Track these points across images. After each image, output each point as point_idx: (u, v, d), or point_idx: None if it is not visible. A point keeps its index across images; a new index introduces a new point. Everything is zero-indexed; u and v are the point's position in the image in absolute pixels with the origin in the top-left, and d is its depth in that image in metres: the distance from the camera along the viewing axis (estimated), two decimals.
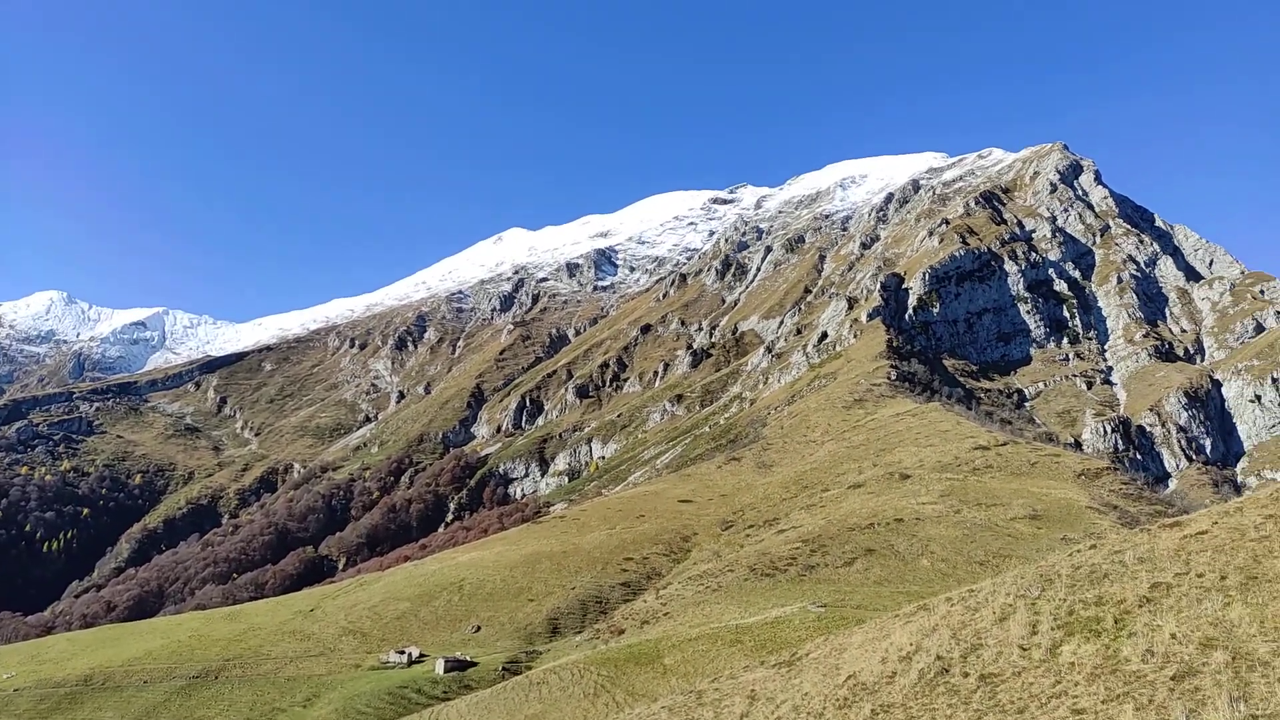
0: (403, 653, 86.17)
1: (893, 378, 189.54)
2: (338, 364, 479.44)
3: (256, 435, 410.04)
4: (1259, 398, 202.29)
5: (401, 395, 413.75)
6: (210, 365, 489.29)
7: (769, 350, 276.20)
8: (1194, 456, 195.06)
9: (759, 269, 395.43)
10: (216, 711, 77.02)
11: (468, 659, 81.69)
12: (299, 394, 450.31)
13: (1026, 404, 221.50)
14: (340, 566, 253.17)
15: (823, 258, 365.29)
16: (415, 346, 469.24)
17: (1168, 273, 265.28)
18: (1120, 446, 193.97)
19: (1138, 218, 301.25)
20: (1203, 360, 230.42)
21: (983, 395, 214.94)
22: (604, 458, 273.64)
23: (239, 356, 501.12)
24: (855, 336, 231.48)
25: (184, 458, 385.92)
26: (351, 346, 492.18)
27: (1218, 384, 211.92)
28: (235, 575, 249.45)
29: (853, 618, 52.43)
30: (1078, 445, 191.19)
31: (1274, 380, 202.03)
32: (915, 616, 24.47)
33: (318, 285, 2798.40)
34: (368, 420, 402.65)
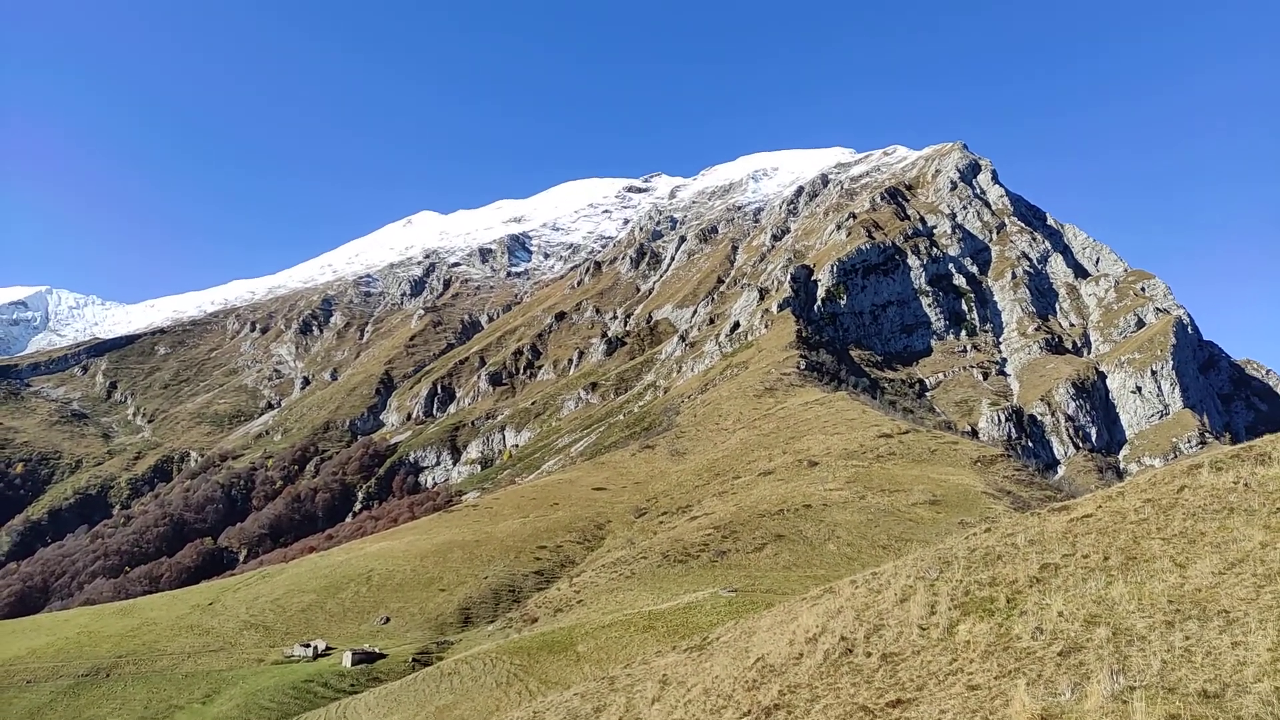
0: (308, 646, 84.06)
1: (802, 367, 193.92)
2: (237, 348, 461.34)
3: (150, 422, 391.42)
4: (1139, 389, 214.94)
5: (306, 381, 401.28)
6: (99, 348, 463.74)
7: (683, 339, 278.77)
8: (1081, 444, 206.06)
9: (673, 258, 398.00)
10: (108, 711, 73.65)
11: (376, 651, 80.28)
12: (196, 379, 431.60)
13: (927, 393, 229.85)
14: (241, 558, 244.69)
15: (735, 248, 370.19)
16: (321, 331, 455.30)
17: (1058, 269, 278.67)
18: (1013, 434, 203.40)
19: (1031, 216, 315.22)
20: (1089, 353, 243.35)
21: (887, 385, 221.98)
22: (518, 446, 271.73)
23: (130, 339, 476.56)
24: (766, 327, 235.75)
25: (71, 445, 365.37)
26: (252, 330, 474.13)
27: (1103, 375, 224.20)
28: (128, 568, 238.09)
29: (762, 602, 53.65)
30: (974, 433, 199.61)
31: (1153, 373, 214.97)
32: (821, 599, 25.24)
33: (215, 266, 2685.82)
34: (270, 407, 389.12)
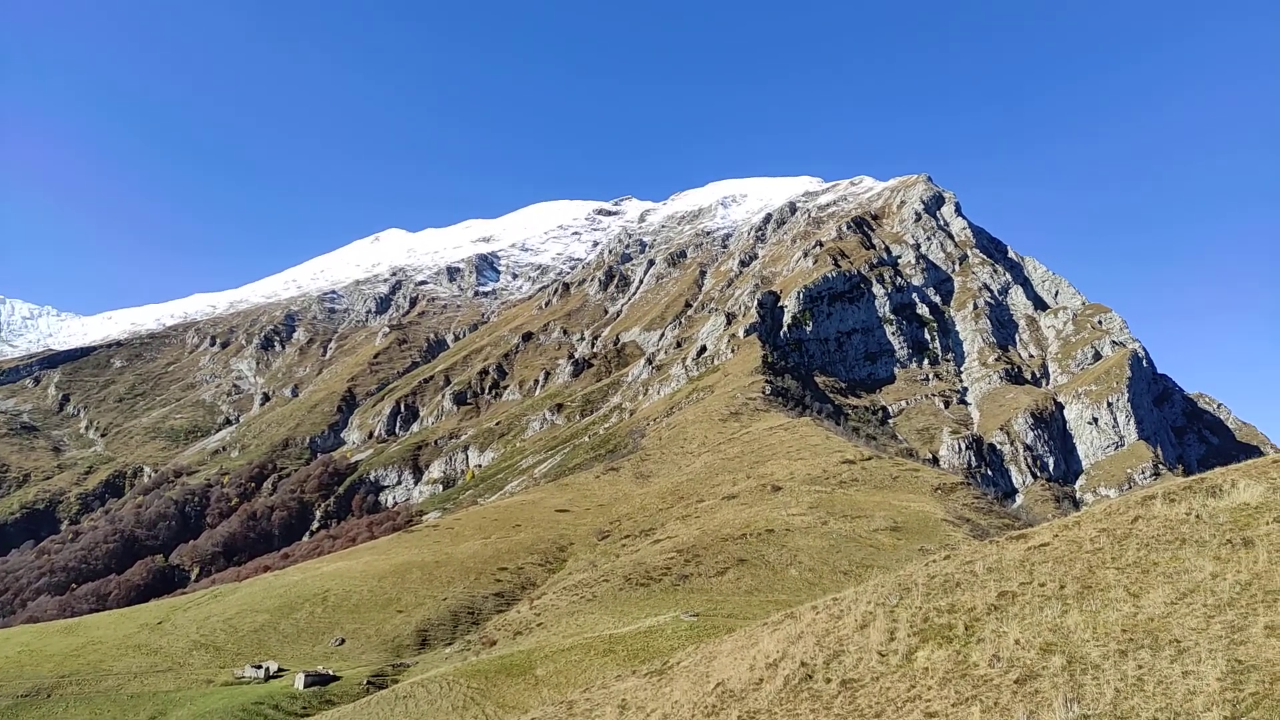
0: (260, 667, 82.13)
1: (767, 392, 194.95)
2: (196, 363, 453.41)
3: (103, 436, 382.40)
4: (1096, 420, 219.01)
5: (266, 397, 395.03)
6: (52, 360, 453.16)
7: (649, 362, 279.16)
8: (1038, 473, 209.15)
9: (641, 281, 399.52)
10: None
11: (330, 673, 78.63)
12: (152, 393, 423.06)
13: (890, 421, 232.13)
14: (193, 577, 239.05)
15: (703, 273, 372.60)
16: (283, 347, 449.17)
17: (1018, 301, 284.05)
18: (973, 463, 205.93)
19: (993, 249, 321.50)
20: (1048, 384, 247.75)
21: (850, 411, 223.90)
22: (481, 466, 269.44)
23: (85, 351, 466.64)
24: (733, 351, 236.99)
25: (19, 458, 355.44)
26: (212, 345, 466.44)
27: (1060, 406, 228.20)
28: (74, 586, 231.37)
29: (724, 626, 53.49)
30: (935, 461, 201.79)
31: (1109, 404, 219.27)
32: (782, 624, 25.24)
33: (176, 278, 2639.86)
34: (228, 423, 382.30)
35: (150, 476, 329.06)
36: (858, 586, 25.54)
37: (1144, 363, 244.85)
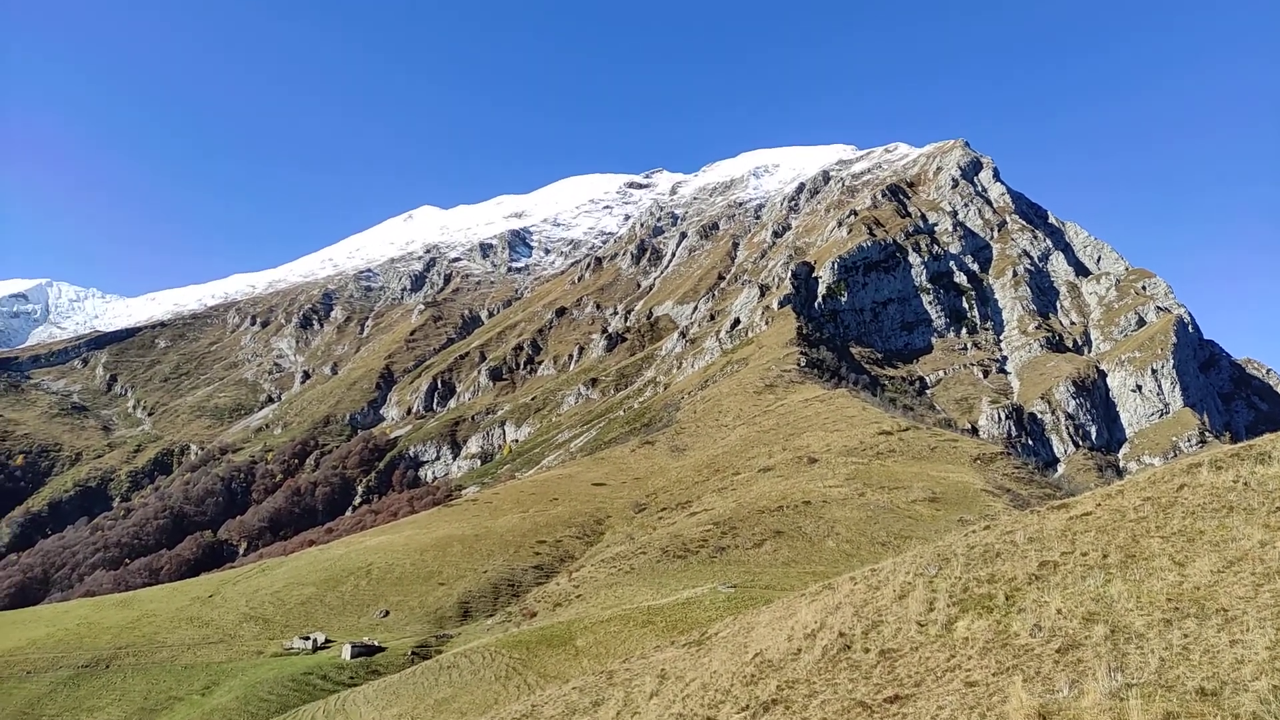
0: (307, 639, 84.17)
1: (802, 364, 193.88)
2: (238, 342, 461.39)
3: (150, 415, 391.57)
4: (1140, 387, 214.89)
5: (306, 375, 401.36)
6: (99, 341, 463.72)
7: (683, 335, 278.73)
8: (1080, 442, 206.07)
9: (674, 254, 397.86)
10: (108, 701, 73.76)
11: (375, 644, 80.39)
12: (196, 372, 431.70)
13: (927, 391, 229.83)
14: (241, 551, 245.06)
15: (736, 245, 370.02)
16: (321, 325, 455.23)
17: (1059, 268, 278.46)
18: (1013, 432, 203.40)
19: (1032, 214, 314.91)
20: (1090, 351, 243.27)
21: (887, 382, 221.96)
22: (517, 441, 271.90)
23: (130, 332, 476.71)
24: (767, 323, 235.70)
25: (71, 438, 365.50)
26: (253, 324, 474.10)
27: (1103, 374, 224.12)
28: (128, 561, 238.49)
29: (761, 598, 53.70)
30: (974, 431, 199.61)
31: (1154, 371, 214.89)
32: (820, 595, 25.28)
33: (216, 259, 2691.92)
34: (270, 401, 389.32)
35: (197, 454, 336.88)
36: (896, 557, 25.48)
37: (1189, 328, 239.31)
